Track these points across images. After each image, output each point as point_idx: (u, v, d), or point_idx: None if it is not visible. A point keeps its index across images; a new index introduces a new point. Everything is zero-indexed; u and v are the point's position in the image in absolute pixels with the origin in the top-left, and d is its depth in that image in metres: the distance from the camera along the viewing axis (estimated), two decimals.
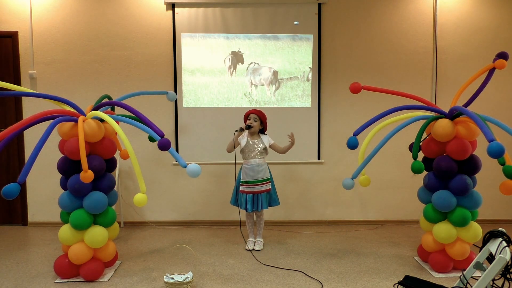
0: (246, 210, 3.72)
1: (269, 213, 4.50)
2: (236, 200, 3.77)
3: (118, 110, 3.66)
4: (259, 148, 3.71)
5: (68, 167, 2.98)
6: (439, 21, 4.47)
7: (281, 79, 4.47)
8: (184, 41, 4.42)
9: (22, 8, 4.34)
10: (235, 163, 3.81)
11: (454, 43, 4.49)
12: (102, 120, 3.03)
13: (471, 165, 3.06)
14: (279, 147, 3.80)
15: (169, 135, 4.45)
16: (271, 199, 3.79)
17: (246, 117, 3.77)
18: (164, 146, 2.75)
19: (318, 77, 4.48)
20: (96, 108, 3.15)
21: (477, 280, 2.08)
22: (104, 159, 3.09)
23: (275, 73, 4.45)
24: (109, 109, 3.48)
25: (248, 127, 3.69)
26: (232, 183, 4.44)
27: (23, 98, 4.43)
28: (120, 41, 4.43)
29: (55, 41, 4.40)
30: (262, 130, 3.82)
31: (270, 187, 3.76)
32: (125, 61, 4.45)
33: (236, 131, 3.67)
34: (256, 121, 3.71)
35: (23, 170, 2.47)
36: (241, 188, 3.72)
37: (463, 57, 4.50)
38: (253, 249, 3.73)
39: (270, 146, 3.79)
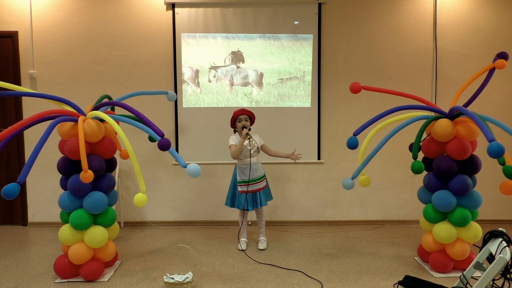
0: (247, 210, 3.70)
1: (269, 213, 4.50)
2: (232, 201, 3.75)
3: (118, 110, 3.66)
4: (254, 148, 3.70)
5: (68, 167, 2.98)
6: (439, 21, 4.47)
7: (280, 79, 4.47)
8: (184, 41, 4.42)
9: (22, 8, 4.34)
10: (246, 164, 3.80)
11: (454, 43, 4.49)
12: (102, 120, 3.04)
13: (471, 165, 3.05)
14: (269, 149, 3.82)
15: (169, 135, 4.45)
16: (267, 195, 3.82)
17: (235, 119, 3.71)
18: (164, 146, 2.75)
19: (318, 77, 4.48)
20: (96, 108, 3.15)
21: (477, 280, 2.08)
22: (104, 159, 3.09)
23: (261, 75, 4.46)
24: (109, 109, 3.48)
25: (247, 128, 3.68)
26: None
27: (23, 98, 4.43)
28: (120, 41, 4.43)
29: (55, 41, 4.40)
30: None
31: (265, 183, 3.78)
32: (125, 61, 4.45)
33: (249, 138, 3.63)
34: (248, 120, 3.71)
35: (23, 170, 2.47)
36: (239, 189, 3.69)
37: (463, 57, 4.50)
38: (258, 249, 3.74)
39: (261, 147, 3.79)
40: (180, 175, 4.55)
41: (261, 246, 3.76)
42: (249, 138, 3.63)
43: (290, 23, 4.43)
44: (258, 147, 3.75)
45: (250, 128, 3.68)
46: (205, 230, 4.41)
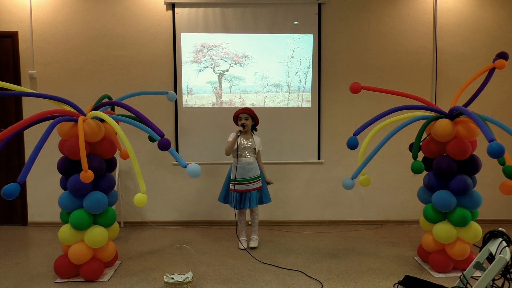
0: (235, 208, 3.75)
1: (269, 213, 4.50)
2: (225, 197, 3.81)
3: (118, 110, 3.66)
4: (250, 147, 3.73)
5: (68, 167, 2.98)
6: (439, 21, 4.47)
7: (280, 79, 4.47)
8: (184, 41, 4.42)
9: (22, 8, 4.34)
10: (237, 163, 3.80)
11: (454, 43, 4.49)
12: (102, 120, 3.03)
13: (471, 165, 3.05)
14: (260, 159, 3.87)
15: (169, 135, 4.45)
16: (263, 196, 3.81)
17: (236, 117, 3.79)
18: (164, 146, 2.75)
19: (318, 77, 4.48)
20: (96, 108, 3.15)
21: (477, 280, 2.08)
22: (104, 159, 3.09)
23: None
24: (109, 109, 3.48)
25: (243, 126, 3.70)
26: None
27: (23, 98, 4.43)
28: (120, 41, 4.43)
29: (55, 41, 4.40)
30: (254, 126, 3.85)
31: (261, 184, 3.77)
32: (125, 61, 4.45)
33: (238, 135, 3.67)
34: (248, 119, 3.74)
35: (23, 170, 2.47)
36: (230, 187, 3.75)
37: (463, 57, 4.49)
38: (249, 247, 3.75)
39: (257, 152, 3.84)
40: (180, 175, 4.55)
41: (252, 244, 3.77)
42: (238, 136, 3.67)
43: (290, 23, 4.43)
44: (255, 149, 3.76)
45: (245, 126, 3.70)
46: (205, 230, 4.41)
